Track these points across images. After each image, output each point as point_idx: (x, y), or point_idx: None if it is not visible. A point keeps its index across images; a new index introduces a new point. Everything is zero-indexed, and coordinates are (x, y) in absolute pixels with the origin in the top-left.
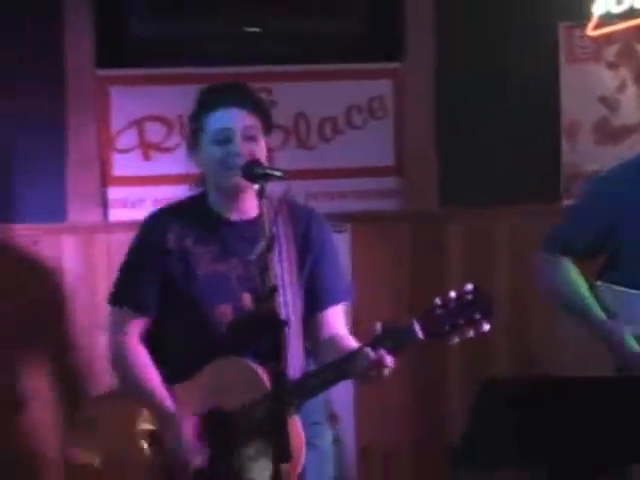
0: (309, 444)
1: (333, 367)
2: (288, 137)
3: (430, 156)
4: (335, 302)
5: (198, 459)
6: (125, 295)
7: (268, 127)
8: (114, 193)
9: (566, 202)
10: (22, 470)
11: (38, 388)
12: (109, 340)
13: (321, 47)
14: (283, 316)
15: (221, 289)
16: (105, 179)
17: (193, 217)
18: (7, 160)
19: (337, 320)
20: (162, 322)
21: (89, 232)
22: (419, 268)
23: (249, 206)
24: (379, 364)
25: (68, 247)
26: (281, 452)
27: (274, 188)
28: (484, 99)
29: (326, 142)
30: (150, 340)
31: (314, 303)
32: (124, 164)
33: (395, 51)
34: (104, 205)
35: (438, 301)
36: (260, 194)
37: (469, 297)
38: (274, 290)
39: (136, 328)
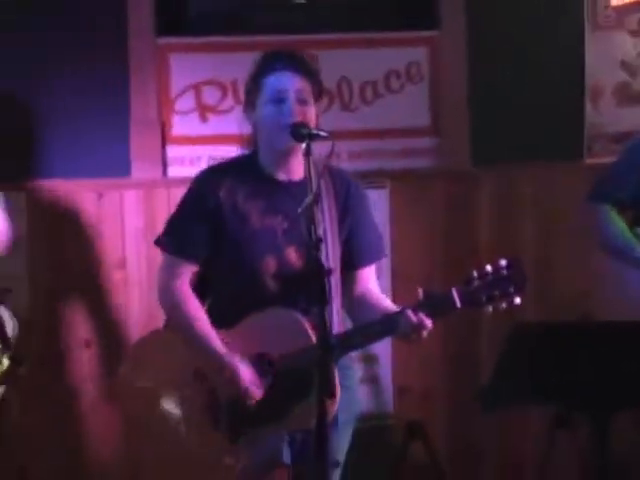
0: (340, 385)
1: (375, 326)
2: (332, 100)
3: (463, 117)
4: (370, 261)
5: (259, 392)
6: (174, 243)
7: (319, 93)
8: (173, 151)
9: (588, 160)
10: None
11: (93, 335)
12: (159, 281)
13: (362, 17)
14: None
15: (268, 241)
16: (165, 138)
17: (244, 174)
18: (75, 119)
19: (370, 277)
20: (210, 271)
21: (150, 187)
22: (452, 221)
23: (296, 167)
24: (419, 326)
25: (130, 201)
26: (326, 389)
27: (320, 151)
28: (513, 64)
29: (367, 105)
30: (198, 286)
31: (351, 261)
32: (182, 125)
33: (431, 20)
34: (164, 162)
35: (475, 273)
36: (307, 153)
37: (504, 272)
38: (320, 241)
39: (185, 273)
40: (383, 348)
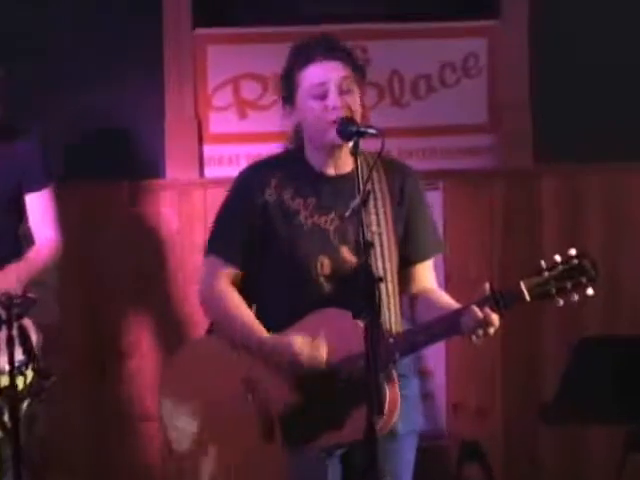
0: (400, 394)
1: (439, 323)
2: (382, 95)
3: (524, 113)
4: (426, 257)
5: (323, 353)
6: (217, 245)
7: (361, 76)
8: (210, 151)
9: None
10: (122, 420)
11: (140, 339)
12: (200, 287)
13: (415, 5)
14: (379, 270)
15: (320, 241)
16: (201, 137)
17: (291, 171)
18: (108, 118)
19: (428, 273)
20: (260, 274)
21: (186, 188)
22: (511, 224)
23: (344, 161)
24: (486, 322)
25: (166, 203)
26: (374, 405)
27: (369, 146)
28: (577, 56)
29: (420, 100)
30: (248, 292)
31: (408, 257)
32: (220, 122)
33: (490, 8)
34: (200, 162)
35: (543, 264)
36: (354, 152)
37: (575, 261)
38: (369, 246)
39: (226, 276)
40: (437, 362)
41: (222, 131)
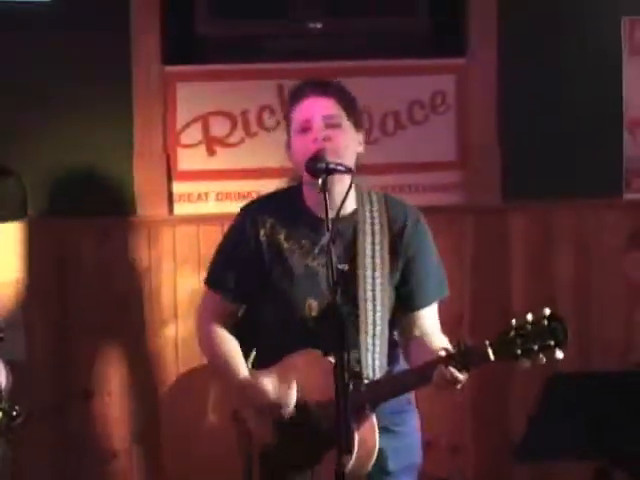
0: (388, 430)
1: (407, 376)
2: None
3: (493, 150)
4: (426, 304)
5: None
6: (214, 280)
7: (355, 119)
8: (179, 188)
9: (628, 196)
10: (91, 459)
11: (107, 379)
12: (199, 320)
13: (384, 43)
14: (368, 313)
15: (311, 284)
16: (170, 174)
17: (287, 211)
18: (77, 155)
19: (428, 320)
20: (253, 311)
21: (155, 225)
22: (481, 262)
23: (339, 200)
24: (452, 380)
25: (136, 240)
26: (343, 444)
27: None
28: (547, 93)
29: (388, 137)
30: (240, 329)
31: (407, 303)
32: (189, 159)
33: (458, 46)
34: (169, 199)
35: (513, 323)
36: (323, 189)
37: (544, 323)
38: (336, 284)
39: (226, 314)
40: None
41: (191, 168)
